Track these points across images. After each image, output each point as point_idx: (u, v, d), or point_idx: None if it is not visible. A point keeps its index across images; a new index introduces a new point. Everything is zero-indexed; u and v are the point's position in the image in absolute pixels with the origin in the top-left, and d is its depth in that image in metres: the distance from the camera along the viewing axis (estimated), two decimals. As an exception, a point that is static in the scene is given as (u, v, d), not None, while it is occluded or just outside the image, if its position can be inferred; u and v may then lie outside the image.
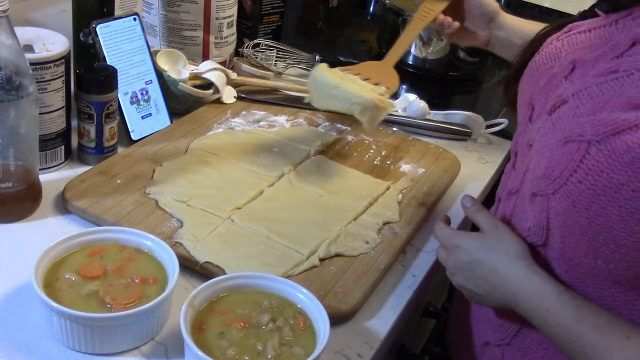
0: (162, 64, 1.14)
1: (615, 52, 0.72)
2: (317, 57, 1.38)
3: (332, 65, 1.39)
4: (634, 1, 0.75)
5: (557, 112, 0.72)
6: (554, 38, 0.83)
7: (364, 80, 1.04)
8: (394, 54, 1.10)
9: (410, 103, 1.29)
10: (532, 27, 1.09)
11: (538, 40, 0.88)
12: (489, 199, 1.19)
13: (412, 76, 1.49)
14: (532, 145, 0.76)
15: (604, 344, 0.65)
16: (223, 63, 1.27)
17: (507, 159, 1.23)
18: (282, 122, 1.18)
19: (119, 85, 0.99)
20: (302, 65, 1.38)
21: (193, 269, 0.83)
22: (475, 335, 0.88)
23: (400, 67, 1.48)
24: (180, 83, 1.11)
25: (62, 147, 0.98)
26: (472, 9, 1.10)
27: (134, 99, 1.07)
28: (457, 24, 1.10)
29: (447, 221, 0.84)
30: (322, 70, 1.02)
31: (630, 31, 0.73)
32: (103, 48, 1.02)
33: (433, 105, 1.29)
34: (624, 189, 0.61)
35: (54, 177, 0.96)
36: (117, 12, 1.09)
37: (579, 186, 0.64)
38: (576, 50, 0.78)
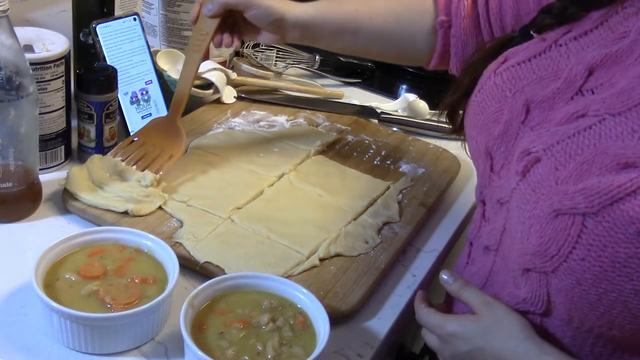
0: (162, 64, 1.14)
1: (572, 87, 0.67)
2: (317, 57, 1.38)
3: (332, 65, 1.40)
4: (583, 8, 0.71)
5: (533, 173, 0.65)
6: (491, 71, 0.76)
7: (144, 154, 0.94)
8: (177, 104, 0.98)
9: (410, 103, 1.29)
10: (334, 10, 0.96)
11: (474, 69, 0.81)
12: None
13: (412, 76, 1.49)
14: (504, 204, 0.70)
15: None
16: (223, 63, 1.27)
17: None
18: (282, 122, 1.18)
19: (119, 85, 0.99)
20: (302, 65, 1.38)
21: (193, 269, 0.83)
22: None
23: (401, 67, 1.50)
24: (180, 83, 1.11)
25: (62, 147, 0.98)
26: (255, 20, 0.95)
27: (134, 99, 1.07)
28: (236, 44, 0.97)
29: (427, 299, 0.77)
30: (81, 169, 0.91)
31: (579, 57, 0.68)
32: (103, 48, 1.02)
33: (433, 105, 1.29)
34: (634, 262, 0.57)
35: (54, 177, 0.95)
36: (117, 12, 1.09)
37: (582, 264, 0.59)
38: (523, 87, 0.72)
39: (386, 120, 1.24)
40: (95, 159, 0.93)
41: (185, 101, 0.99)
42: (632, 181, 0.56)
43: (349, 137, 1.16)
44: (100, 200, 0.88)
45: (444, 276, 0.75)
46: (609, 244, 0.57)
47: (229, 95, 1.21)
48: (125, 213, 0.88)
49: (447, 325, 0.71)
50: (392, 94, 1.38)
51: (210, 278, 0.75)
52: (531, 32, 0.77)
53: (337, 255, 0.88)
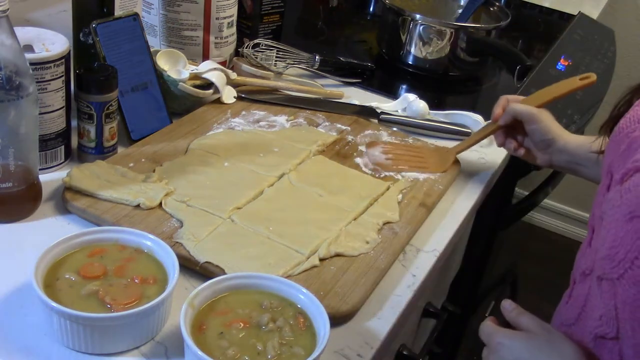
0: (162, 64, 1.14)
1: None
2: (317, 57, 1.38)
3: (332, 65, 1.40)
4: None
5: (629, 181, 0.62)
6: None
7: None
8: (465, 145, 1.15)
9: (410, 103, 1.29)
10: (591, 144, 0.99)
11: (631, 95, 0.79)
12: (489, 200, 1.19)
13: (412, 76, 1.49)
14: (603, 219, 0.68)
15: None
16: (223, 63, 1.27)
17: (508, 158, 1.23)
18: (282, 122, 1.18)
19: (119, 85, 0.99)
20: (302, 65, 1.38)
21: (193, 269, 0.83)
22: None
23: (401, 67, 1.50)
24: (180, 83, 1.11)
25: (62, 147, 0.98)
26: (531, 134, 1.05)
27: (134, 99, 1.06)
28: (522, 151, 1.07)
29: (495, 320, 0.76)
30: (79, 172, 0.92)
31: None
32: (103, 48, 1.02)
33: (433, 105, 1.29)
34: None
35: (54, 177, 0.96)
36: (117, 12, 1.09)
37: None
38: None
39: (386, 120, 1.24)
40: (98, 162, 0.95)
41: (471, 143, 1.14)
42: None
43: (349, 137, 1.16)
44: (114, 194, 0.89)
45: (506, 306, 0.74)
46: None
47: (229, 95, 1.21)
48: (131, 209, 0.88)
49: (497, 334, 0.71)
50: (392, 94, 1.38)
51: (210, 278, 0.75)
52: None
53: (337, 255, 0.87)
